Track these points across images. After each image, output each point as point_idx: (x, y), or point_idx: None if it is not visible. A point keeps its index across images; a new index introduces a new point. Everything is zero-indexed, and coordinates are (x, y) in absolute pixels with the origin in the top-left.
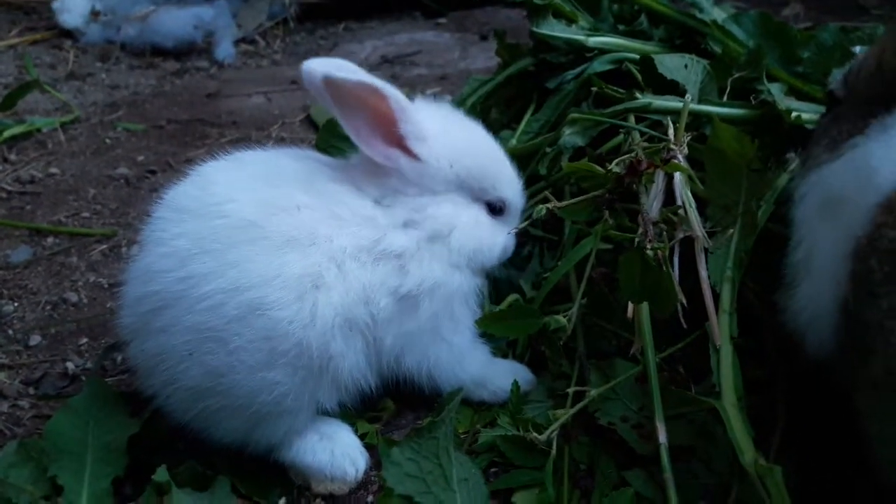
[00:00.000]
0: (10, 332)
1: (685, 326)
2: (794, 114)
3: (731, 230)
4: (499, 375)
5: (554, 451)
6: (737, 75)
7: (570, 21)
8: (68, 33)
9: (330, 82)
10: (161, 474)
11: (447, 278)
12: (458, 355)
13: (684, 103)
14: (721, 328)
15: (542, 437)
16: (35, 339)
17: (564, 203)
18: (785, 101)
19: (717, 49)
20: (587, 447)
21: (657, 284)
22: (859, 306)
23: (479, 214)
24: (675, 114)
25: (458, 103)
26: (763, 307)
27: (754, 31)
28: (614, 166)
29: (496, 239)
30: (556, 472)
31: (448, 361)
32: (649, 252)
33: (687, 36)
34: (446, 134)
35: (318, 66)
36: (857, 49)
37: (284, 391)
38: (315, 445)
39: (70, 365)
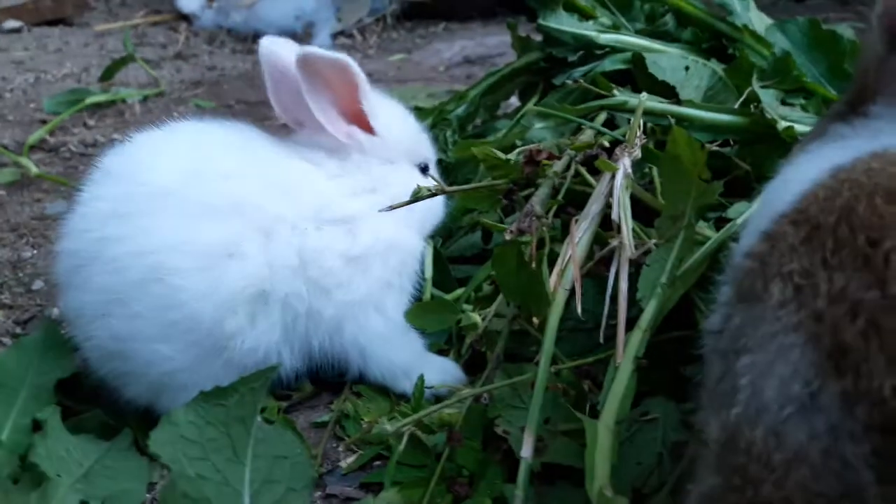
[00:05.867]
0: (21, 275)
1: (601, 341)
2: (785, 124)
3: (671, 243)
4: (427, 369)
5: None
6: (760, 84)
7: (586, 16)
8: (185, 17)
9: (305, 60)
10: (46, 412)
11: (401, 237)
12: (395, 333)
13: (639, 101)
14: (629, 345)
15: (391, 430)
16: (38, 285)
17: (455, 189)
18: (779, 111)
19: (749, 55)
20: (477, 453)
21: (531, 284)
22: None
23: (420, 178)
24: (658, 115)
25: (461, 94)
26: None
27: (801, 40)
28: (514, 155)
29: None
30: (443, 475)
31: (384, 338)
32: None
33: (715, 40)
34: (387, 109)
35: (287, 45)
36: None
37: (177, 367)
38: None
39: (55, 311)
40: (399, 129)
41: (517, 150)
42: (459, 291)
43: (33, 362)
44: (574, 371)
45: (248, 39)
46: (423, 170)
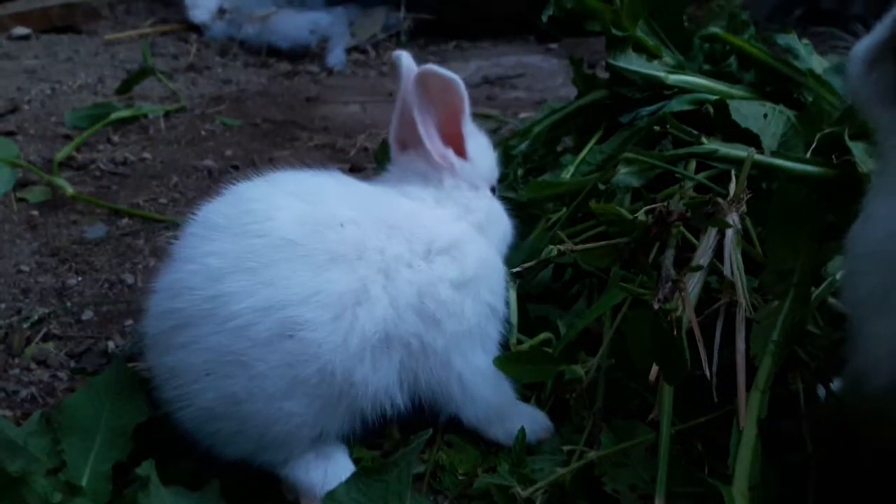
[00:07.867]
0: (69, 304)
1: (715, 400)
2: None
3: (783, 300)
4: (518, 415)
5: None
6: (827, 131)
7: (653, 56)
8: (195, 27)
9: (425, 74)
10: (145, 468)
11: (494, 258)
12: (494, 372)
13: (748, 154)
14: (749, 407)
15: (524, 494)
16: (88, 315)
17: (581, 247)
18: (870, 164)
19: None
20: None
21: (668, 349)
22: None
23: (496, 201)
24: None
25: (525, 130)
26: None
27: None
28: (641, 214)
29: (508, 219)
30: None
31: (484, 374)
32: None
33: (779, 83)
34: (476, 135)
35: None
36: None
37: (301, 422)
38: (310, 463)
39: (111, 344)
40: (484, 155)
41: (644, 209)
42: (542, 336)
43: (106, 405)
44: (688, 432)
45: (261, 52)
46: (493, 191)
